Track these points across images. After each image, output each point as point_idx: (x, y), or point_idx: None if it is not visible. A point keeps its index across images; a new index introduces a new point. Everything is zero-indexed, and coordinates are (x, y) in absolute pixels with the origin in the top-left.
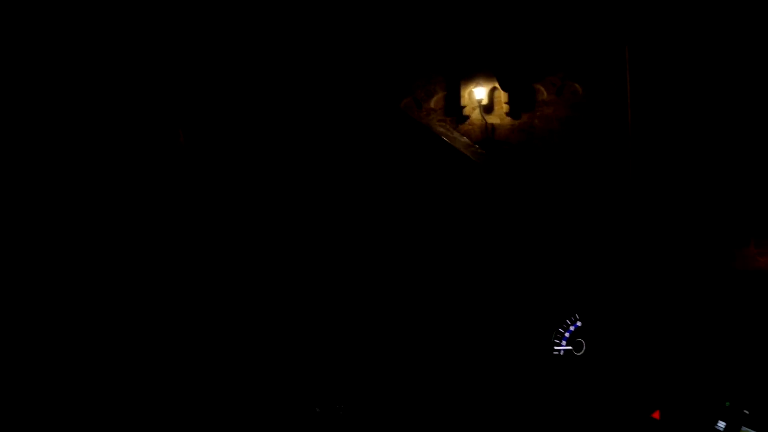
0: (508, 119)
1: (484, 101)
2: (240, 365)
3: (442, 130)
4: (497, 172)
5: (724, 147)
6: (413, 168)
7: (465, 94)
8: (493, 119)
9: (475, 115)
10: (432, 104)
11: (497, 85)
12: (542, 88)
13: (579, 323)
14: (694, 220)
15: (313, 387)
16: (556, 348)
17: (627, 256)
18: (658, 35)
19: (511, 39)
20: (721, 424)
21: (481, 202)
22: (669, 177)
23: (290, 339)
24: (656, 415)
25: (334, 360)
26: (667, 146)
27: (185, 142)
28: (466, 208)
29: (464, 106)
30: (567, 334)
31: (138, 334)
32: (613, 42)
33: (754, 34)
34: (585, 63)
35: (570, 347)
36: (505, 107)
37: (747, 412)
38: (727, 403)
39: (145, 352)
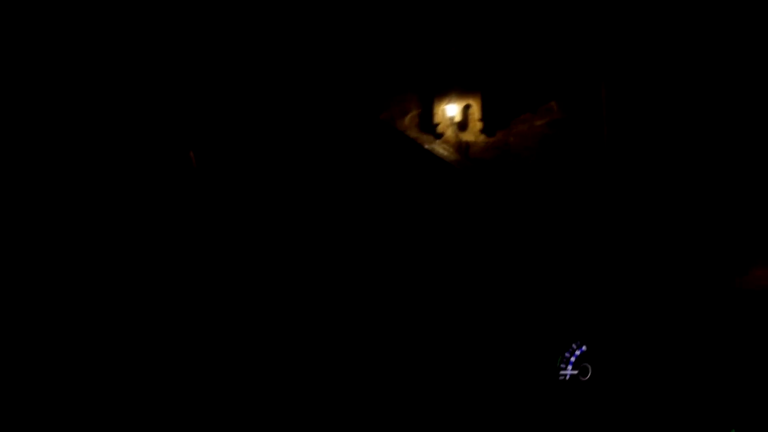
0: (482, 137)
1: (458, 118)
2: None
3: (440, 150)
4: (492, 186)
5: (703, 165)
6: (416, 182)
7: (438, 111)
8: (467, 137)
9: (450, 132)
10: (406, 122)
11: (471, 102)
12: (517, 105)
13: (584, 348)
14: (681, 239)
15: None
16: (561, 373)
17: (630, 279)
18: (633, 56)
19: (485, 56)
20: None
21: (478, 216)
22: (648, 196)
23: (284, 370)
24: None
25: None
26: (644, 164)
27: (197, 164)
28: (466, 224)
29: (438, 124)
30: (573, 359)
31: (159, 351)
32: (588, 59)
33: (718, 51)
34: (561, 80)
35: (576, 372)
36: (479, 124)
37: None
38: (732, 431)
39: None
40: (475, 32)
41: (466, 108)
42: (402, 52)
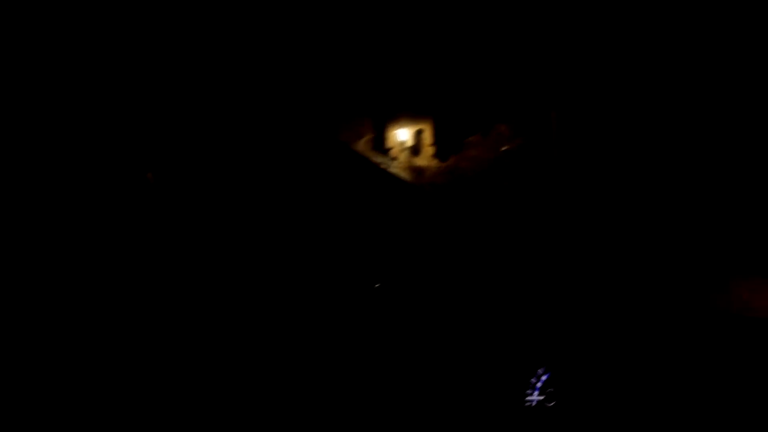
0: (435, 161)
1: (410, 143)
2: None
3: (403, 174)
4: (449, 209)
5: (666, 183)
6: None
7: (391, 136)
8: (420, 161)
9: (403, 157)
10: (361, 146)
11: (423, 127)
12: (469, 130)
13: (550, 373)
14: (647, 262)
15: None
16: (528, 398)
17: (596, 303)
18: (583, 80)
19: (436, 81)
20: None
21: (441, 237)
22: (608, 216)
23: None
24: None
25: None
26: (599, 185)
27: (154, 182)
28: (429, 245)
29: (391, 148)
30: (539, 384)
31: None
32: (539, 84)
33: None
34: (512, 105)
35: (542, 397)
36: (431, 149)
37: None
38: None
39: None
40: (426, 57)
41: (419, 133)
42: (354, 75)
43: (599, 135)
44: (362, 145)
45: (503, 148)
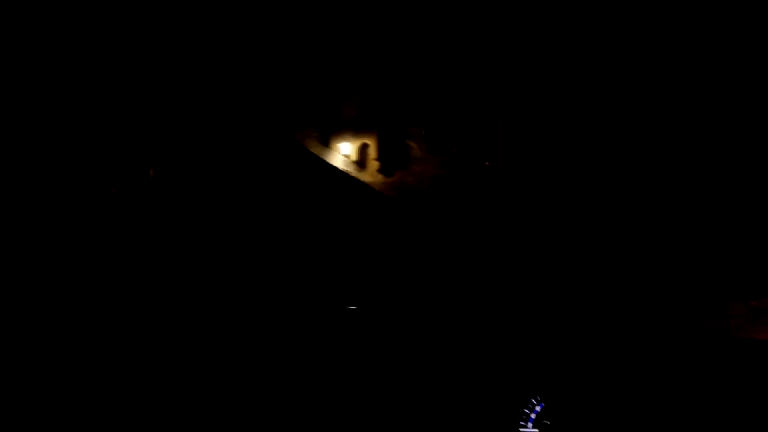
0: (380, 177)
1: (354, 157)
2: None
3: None
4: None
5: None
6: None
7: (335, 149)
8: (365, 177)
9: (350, 171)
10: None
11: (368, 142)
12: (415, 145)
13: (544, 404)
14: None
15: None
16: (520, 430)
17: (588, 326)
18: (529, 95)
19: (381, 93)
20: None
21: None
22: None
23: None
24: None
25: None
26: (549, 199)
27: (154, 177)
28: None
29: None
30: (533, 416)
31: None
32: (484, 101)
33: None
34: (457, 120)
35: (536, 430)
36: (376, 164)
37: None
38: None
39: None
40: (369, 67)
41: (364, 147)
42: (301, 87)
43: (551, 148)
44: None
45: (437, 162)
